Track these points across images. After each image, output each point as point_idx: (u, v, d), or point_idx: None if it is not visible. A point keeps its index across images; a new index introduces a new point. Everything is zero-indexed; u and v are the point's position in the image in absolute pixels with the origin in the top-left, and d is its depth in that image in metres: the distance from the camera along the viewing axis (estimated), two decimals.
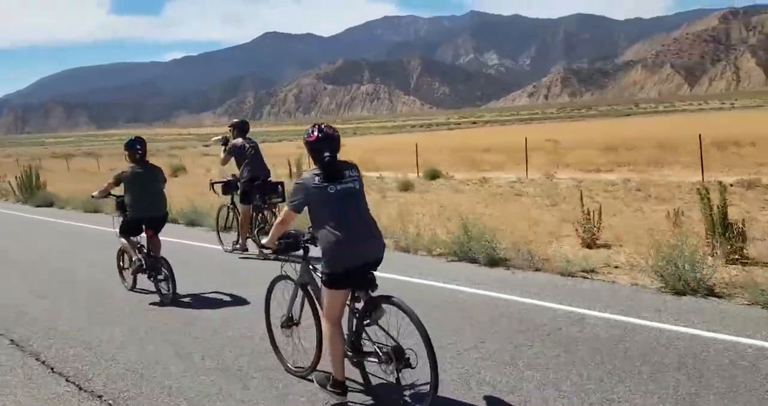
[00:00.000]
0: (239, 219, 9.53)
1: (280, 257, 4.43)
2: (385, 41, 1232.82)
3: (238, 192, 9.32)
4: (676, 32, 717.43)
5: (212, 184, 9.95)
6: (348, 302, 4.02)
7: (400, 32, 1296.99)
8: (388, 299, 3.87)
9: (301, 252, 4.34)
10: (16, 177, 22.91)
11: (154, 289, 7.33)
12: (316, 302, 4.31)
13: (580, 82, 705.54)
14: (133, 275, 7.60)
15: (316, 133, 3.95)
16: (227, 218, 10.10)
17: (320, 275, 3.98)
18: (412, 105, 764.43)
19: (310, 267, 4.35)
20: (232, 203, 9.81)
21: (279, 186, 9.09)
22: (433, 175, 22.06)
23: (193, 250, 10.42)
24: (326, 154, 3.91)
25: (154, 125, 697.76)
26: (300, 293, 4.45)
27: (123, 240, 7.45)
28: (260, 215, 9.32)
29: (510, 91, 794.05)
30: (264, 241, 4.34)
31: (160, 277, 7.12)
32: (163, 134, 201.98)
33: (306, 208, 3.99)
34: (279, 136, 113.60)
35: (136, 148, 7.17)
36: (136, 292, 7.64)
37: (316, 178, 3.89)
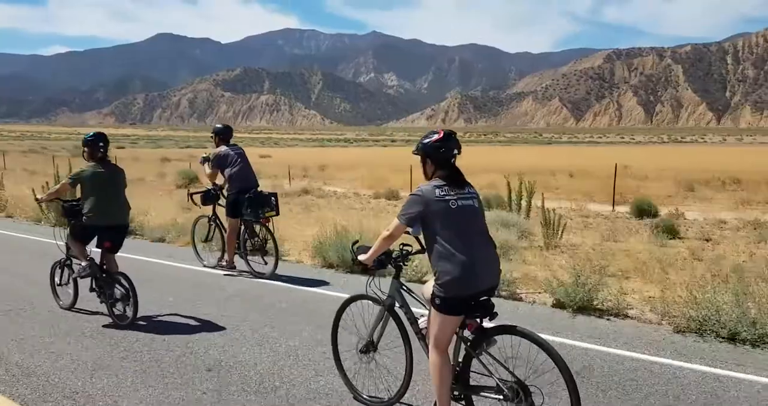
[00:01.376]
0: (224, 233, 8.69)
1: (370, 272, 4.05)
2: (285, 53, 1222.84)
3: (225, 203, 8.47)
4: (564, 68, 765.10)
5: (191, 195, 8.98)
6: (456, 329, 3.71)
7: (301, 45, 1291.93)
8: (513, 328, 3.57)
9: (373, 269, 3.99)
10: None
11: (98, 308, 6.49)
12: (407, 326, 4.04)
13: (475, 108, 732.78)
14: (74, 280, 6.56)
15: (441, 133, 3.67)
16: (209, 231, 9.01)
17: (434, 298, 3.59)
18: (312, 119, 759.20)
19: (402, 288, 4.08)
20: (213, 214, 8.87)
21: (273, 198, 8.30)
22: (646, 210, 15.94)
23: (156, 268, 9.15)
24: (455, 151, 3.65)
25: (31, 122, 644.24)
26: (386, 315, 4.13)
27: (73, 244, 6.41)
28: (248, 229, 8.46)
29: (408, 112, 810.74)
30: (363, 257, 3.92)
31: (116, 295, 6.07)
32: (49, 132, 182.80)
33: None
34: (174, 141, 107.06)
35: (98, 145, 6.24)
36: (82, 313, 6.57)
37: (437, 190, 3.57)
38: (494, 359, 3.58)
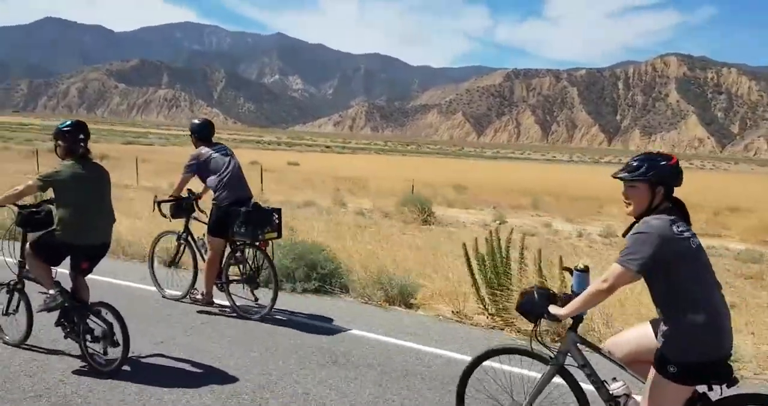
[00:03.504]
0: (198, 256, 6.84)
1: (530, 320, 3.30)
2: (184, 47, 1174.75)
3: (210, 220, 6.60)
4: (466, 84, 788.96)
5: (158, 204, 6.79)
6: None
7: (202, 41, 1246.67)
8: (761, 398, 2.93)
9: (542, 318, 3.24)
10: None
11: (62, 345, 5.10)
12: (585, 391, 3.37)
13: (382, 118, 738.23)
14: (28, 309, 5.07)
15: (674, 158, 3.02)
16: (177, 252, 7.08)
17: (665, 364, 2.88)
18: (214, 117, 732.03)
19: (581, 343, 3.32)
20: (185, 231, 6.92)
21: (275, 215, 6.47)
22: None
23: (119, 292, 7.08)
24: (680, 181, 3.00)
25: None
26: (550, 376, 3.39)
27: (35, 265, 4.88)
28: (235, 252, 6.55)
29: (314, 116, 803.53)
30: (558, 311, 3.15)
31: (96, 333, 4.68)
32: None
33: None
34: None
35: (77, 138, 4.83)
36: (37, 351, 5.09)
37: (674, 226, 2.89)
38: None
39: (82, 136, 4.83)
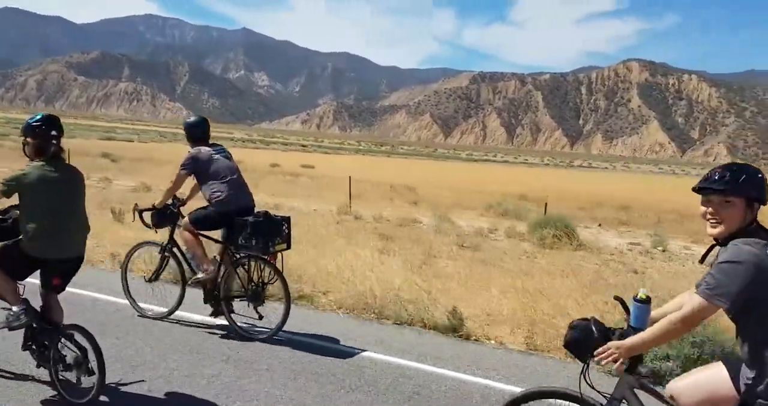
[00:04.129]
0: (192, 269, 6.09)
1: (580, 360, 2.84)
2: (147, 40, 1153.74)
3: (198, 212, 5.97)
4: (434, 85, 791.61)
5: (138, 212, 6.11)
6: None
7: (164, 34, 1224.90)
8: None
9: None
10: None
11: (29, 371, 4.54)
12: None
13: (350, 117, 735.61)
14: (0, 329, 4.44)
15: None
16: (159, 266, 6.35)
17: None
18: (177, 112, 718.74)
19: (634, 388, 2.86)
20: (170, 242, 6.22)
21: (285, 225, 5.88)
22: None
23: (97, 307, 6.48)
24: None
25: None
26: None
27: None
28: (238, 267, 5.93)
29: (281, 114, 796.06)
30: (633, 341, 2.63)
31: (68, 360, 4.12)
32: None
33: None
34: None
35: (48, 135, 4.21)
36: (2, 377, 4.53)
37: None
38: None
39: (54, 132, 4.20)
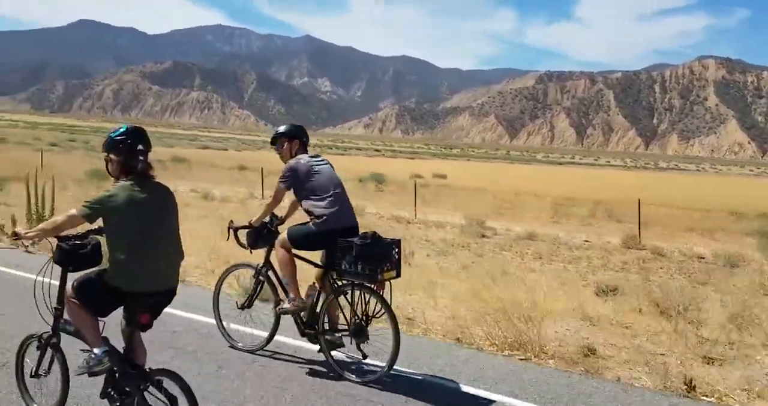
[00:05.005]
0: (279, 291, 5.48)
1: None
2: (215, 49, 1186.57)
3: (297, 229, 5.28)
4: (498, 86, 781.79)
5: (234, 231, 5.46)
6: None
7: (232, 43, 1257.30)
8: None
9: None
10: None
11: None
12: None
13: (412, 120, 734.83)
14: (64, 373, 3.90)
15: None
16: (254, 290, 5.63)
17: None
18: (246, 119, 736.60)
19: None
20: (266, 264, 5.53)
21: (395, 248, 5.05)
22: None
23: (189, 328, 6.09)
24: None
25: None
26: None
27: (78, 315, 3.69)
28: (339, 295, 5.18)
29: (343, 118, 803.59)
30: None
31: None
32: None
33: None
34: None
35: (135, 150, 3.63)
36: None
37: None
38: None
39: (141, 146, 3.61)
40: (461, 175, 44.86)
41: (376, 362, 5.01)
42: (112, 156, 3.62)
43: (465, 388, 4.90)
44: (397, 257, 5.02)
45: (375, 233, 4.99)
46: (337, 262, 4.97)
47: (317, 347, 5.25)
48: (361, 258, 4.83)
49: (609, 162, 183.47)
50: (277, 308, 5.36)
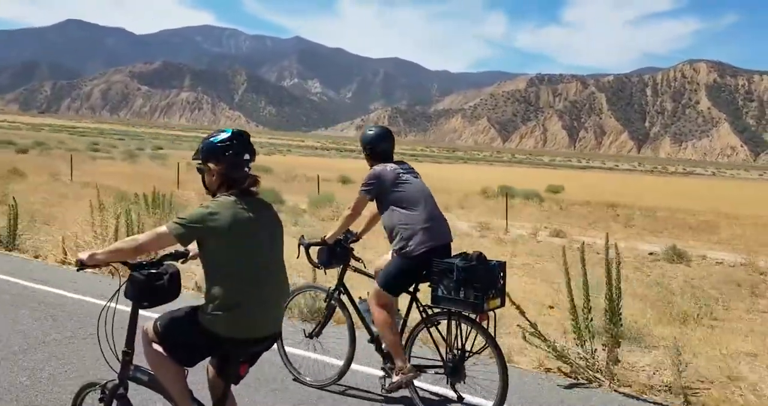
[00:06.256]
0: (366, 325, 4.69)
1: None
2: (205, 50, 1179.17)
3: (388, 270, 4.46)
4: (489, 89, 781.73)
5: (306, 247, 4.74)
6: None
7: (221, 44, 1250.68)
8: None
9: None
10: None
11: None
12: None
13: (405, 122, 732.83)
14: None
15: None
16: (325, 316, 4.91)
17: None
18: (236, 120, 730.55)
19: None
20: (339, 287, 4.80)
21: (500, 273, 4.29)
22: None
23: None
24: None
25: None
26: None
27: (158, 362, 2.95)
28: (433, 326, 4.42)
29: (334, 120, 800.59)
30: None
31: None
32: None
33: None
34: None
35: (241, 158, 2.94)
36: None
37: None
38: None
39: (247, 156, 2.95)
40: (570, 188, 38.54)
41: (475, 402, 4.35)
42: (211, 165, 2.92)
43: None
44: (502, 282, 4.30)
45: (480, 253, 4.27)
46: (433, 287, 4.22)
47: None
48: (464, 283, 4.09)
49: (636, 167, 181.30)
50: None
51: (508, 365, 4.13)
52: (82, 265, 2.84)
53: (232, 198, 2.83)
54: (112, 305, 2.90)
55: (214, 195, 2.93)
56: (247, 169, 2.90)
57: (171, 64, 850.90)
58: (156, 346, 2.88)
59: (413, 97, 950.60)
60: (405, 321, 4.54)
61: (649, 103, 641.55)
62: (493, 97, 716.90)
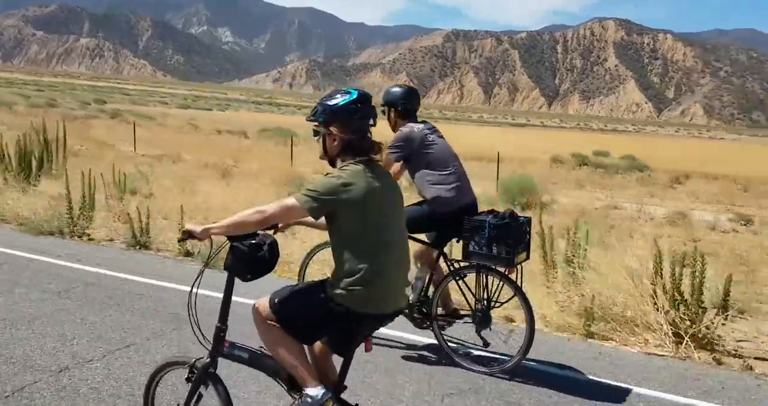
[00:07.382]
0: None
1: None
2: None
3: (417, 216, 4.51)
4: (407, 43, 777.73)
5: None
6: None
7: None
8: None
9: None
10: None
11: None
12: None
13: (323, 75, 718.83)
14: None
15: None
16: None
17: None
18: (142, 69, 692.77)
19: None
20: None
21: (527, 228, 4.50)
22: None
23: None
24: None
25: None
26: None
27: (275, 339, 2.74)
28: (460, 279, 4.58)
29: (248, 71, 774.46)
30: None
31: None
32: None
33: None
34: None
35: (366, 122, 2.71)
36: None
37: None
38: None
39: (372, 121, 2.72)
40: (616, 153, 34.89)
41: (500, 350, 4.50)
42: (333, 129, 2.66)
43: None
44: (528, 237, 4.50)
45: (513, 211, 4.43)
46: (465, 243, 4.39)
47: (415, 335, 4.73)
48: (496, 239, 4.26)
49: (579, 124, 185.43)
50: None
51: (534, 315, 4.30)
52: (190, 236, 2.67)
53: (361, 166, 2.65)
54: (202, 279, 2.73)
55: (331, 161, 2.75)
56: (371, 131, 2.71)
57: (68, 8, 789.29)
58: (272, 323, 2.72)
59: (330, 49, 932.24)
60: (432, 275, 4.66)
61: (559, 60, 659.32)
62: (411, 52, 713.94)
